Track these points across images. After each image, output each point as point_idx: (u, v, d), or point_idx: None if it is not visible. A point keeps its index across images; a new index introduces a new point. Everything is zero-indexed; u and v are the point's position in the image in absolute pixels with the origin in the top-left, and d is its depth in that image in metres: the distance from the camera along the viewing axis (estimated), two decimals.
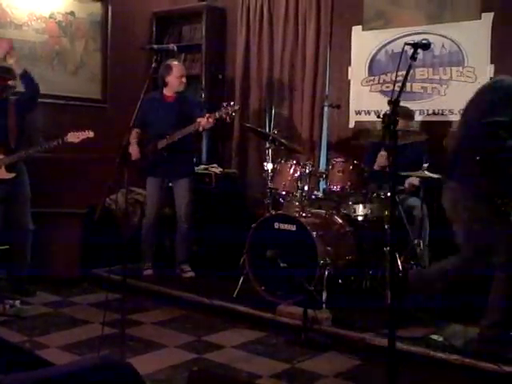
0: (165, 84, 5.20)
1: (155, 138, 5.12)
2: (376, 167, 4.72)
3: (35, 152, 4.71)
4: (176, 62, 5.25)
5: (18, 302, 4.56)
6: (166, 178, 5.32)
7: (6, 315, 4.36)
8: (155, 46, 4.49)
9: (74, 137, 4.60)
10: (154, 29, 6.65)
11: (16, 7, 5.64)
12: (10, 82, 4.74)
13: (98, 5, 6.26)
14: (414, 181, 4.62)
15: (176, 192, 5.36)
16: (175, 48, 3.94)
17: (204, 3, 6.41)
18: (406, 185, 4.67)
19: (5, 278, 5.01)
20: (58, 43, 5.97)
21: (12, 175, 4.66)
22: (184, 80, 5.26)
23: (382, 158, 4.63)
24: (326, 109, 5.66)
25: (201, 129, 5.02)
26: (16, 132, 4.72)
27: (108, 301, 3.41)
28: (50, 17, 5.91)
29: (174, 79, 5.16)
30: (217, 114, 4.95)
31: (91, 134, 4.64)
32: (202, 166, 6.02)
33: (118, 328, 3.33)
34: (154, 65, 4.16)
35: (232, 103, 4.99)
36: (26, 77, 4.76)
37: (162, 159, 5.09)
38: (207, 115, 5.01)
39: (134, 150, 5.14)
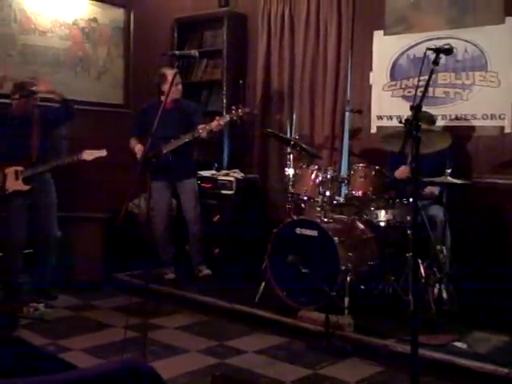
0: (161, 93, 5.21)
1: (157, 144, 5.09)
2: (396, 175, 4.69)
3: (51, 167, 4.78)
4: (170, 70, 5.21)
5: (41, 306, 4.60)
6: (171, 180, 5.35)
7: (30, 318, 4.41)
8: (177, 52, 4.52)
9: (88, 155, 4.68)
10: (176, 35, 6.69)
11: (40, 14, 5.72)
12: (34, 91, 4.76)
13: (121, 11, 6.32)
14: (434, 189, 4.59)
15: (182, 196, 5.42)
16: (197, 54, 3.94)
17: (225, 9, 6.43)
18: (426, 190, 4.63)
19: (29, 282, 5.06)
20: (81, 49, 6.04)
21: (27, 187, 4.73)
22: (180, 87, 5.32)
23: (403, 172, 4.61)
24: (347, 114, 5.64)
25: (210, 129, 5.09)
26: (38, 145, 4.79)
27: (130, 305, 3.43)
28: (74, 23, 5.97)
29: (172, 87, 5.07)
30: (227, 117, 5.05)
31: (104, 153, 4.72)
32: (224, 172, 6.04)
33: (140, 332, 3.35)
34: (175, 70, 4.19)
35: (241, 106, 5.10)
36: (64, 105, 4.92)
37: (166, 163, 5.12)
38: (217, 118, 5.10)
39: (139, 150, 5.18)
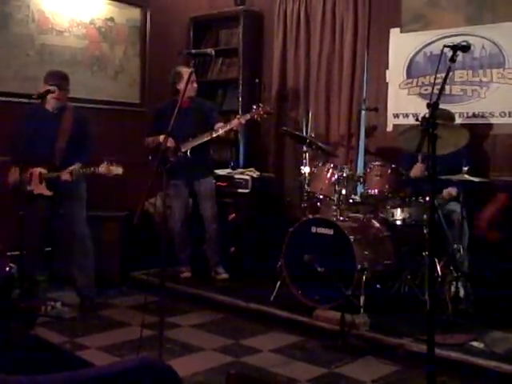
0: (177, 91, 5.21)
1: (175, 142, 5.13)
2: (411, 175, 4.67)
3: (78, 174, 4.59)
4: (185, 68, 5.18)
5: (58, 304, 4.63)
6: (189, 179, 5.37)
7: (48, 316, 4.44)
8: (193, 51, 4.52)
9: (105, 169, 4.49)
10: (192, 33, 6.70)
11: (57, 14, 5.75)
12: (50, 88, 4.58)
13: (137, 11, 6.35)
14: (452, 190, 4.56)
15: (200, 195, 5.43)
16: (213, 52, 3.94)
17: (241, 7, 6.43)
18: (444, 193, 4.60)
19: (47, 280, 5.10)
20: (97, 49, 6.07)
21: (50, 193, 4.60)
22: (195, 85, 5.32)
23: (418, 169, 4.59)
24: (363, 112, 5.61)
25: (230, 128, 5.15)
26: (64, 148, 4.63)
27: (147, 303, 3.45)
28: (91, 23, 6.01)
29: (187, 85, 5.09)
30: (248, 116, 5.07)
31: (120, 171, 4.53)
32: (240, 170, 6.05)
33: (156, 330, 3.36)
34: (191, 69, 4.20)
35: (261, 105, 5.12)
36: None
37: (185, 162, 5.13)
38: (238, 116, 5.13)
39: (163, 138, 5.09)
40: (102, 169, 4.50)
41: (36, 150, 4.61)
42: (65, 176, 4.55)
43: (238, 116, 5.18)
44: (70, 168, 4.55)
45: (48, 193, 4.61)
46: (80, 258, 4.77)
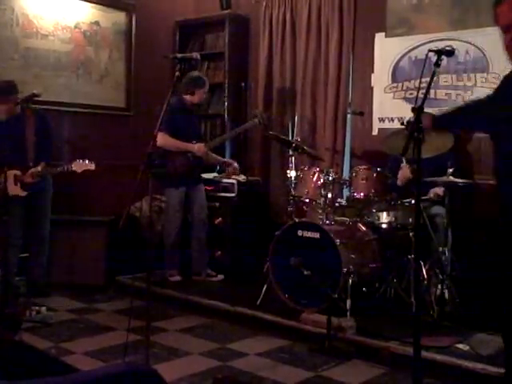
0: (192, 93, 5.36)
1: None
2: (399, 183, 4.69)
3: (45, 174, 4.77)
4: (206, 79, 5.55)
5: (44, 309, 4.59)
6: (187, 185, 5.41)
7: (32, 321, 4.40)
8: (178, 55, 4.52)
9: (77, 166, 4.58)
10: (178, 37, 6.70)
11: (42, 17, 5.73)
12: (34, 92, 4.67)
13: (123, 14, 6.34)
14: (439, 191, 4.58)
15: (195, 200, 5.47)
16: (198, 57, 3.96)
17: (227, 12, 6.44)
18: (431, 194, 4.63)
19: (24, 285, 5.08)
20: (82, 52, 6.05)
21: (24, 194, 4.73)
22: (205, 96, 5.63)
23: (404, 171, 4.61)
24: (349, 116, 5.64)
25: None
26: (34, 148, 4.74)
27: (133, 308, 3.43)
28: (76, 27, 5.99)
29: (202, 94, 5.45)
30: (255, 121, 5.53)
31: (93, 166, 4.61)
32: (225, 174, 6.04)
33: (142, 335, 3.35)
34: (177, 73, 4.20)
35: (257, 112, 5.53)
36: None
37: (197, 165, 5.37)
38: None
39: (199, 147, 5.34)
40: (74, 166, 4.58)
41: (6, 152, 4.66)
42: (27, 179, 4.69)
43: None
44: (32, 170, 4.70)
45: (23, 193, 4.72)
46: (40, 254, 5.02)
